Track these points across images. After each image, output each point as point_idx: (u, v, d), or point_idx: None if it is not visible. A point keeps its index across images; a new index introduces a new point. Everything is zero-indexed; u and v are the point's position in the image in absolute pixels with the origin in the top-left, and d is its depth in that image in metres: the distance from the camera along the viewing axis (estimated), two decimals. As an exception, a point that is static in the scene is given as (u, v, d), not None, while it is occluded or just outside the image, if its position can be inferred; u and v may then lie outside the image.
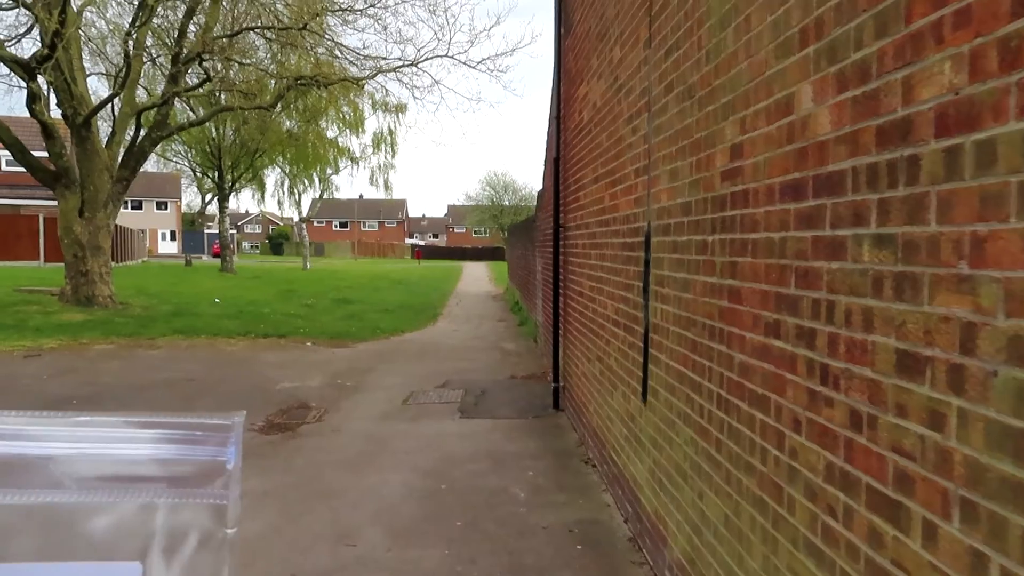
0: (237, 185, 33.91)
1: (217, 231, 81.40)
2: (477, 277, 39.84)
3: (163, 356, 11.78)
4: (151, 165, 53.63)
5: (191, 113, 21.96)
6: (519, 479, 5.92)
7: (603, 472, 5.80)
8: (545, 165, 11.98)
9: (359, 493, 5.63)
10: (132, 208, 77.44)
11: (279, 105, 27.14)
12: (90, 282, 15.55)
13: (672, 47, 3.80)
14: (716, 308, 3.13)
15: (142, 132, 16.07)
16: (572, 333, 7.72)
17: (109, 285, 15.89)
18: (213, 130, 29.52)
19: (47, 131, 15.12)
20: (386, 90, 35.28)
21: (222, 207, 31.28)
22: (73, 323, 14.10)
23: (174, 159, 31.80)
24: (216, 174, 30.59)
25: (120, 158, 15.95)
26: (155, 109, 15.89)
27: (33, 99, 14.32)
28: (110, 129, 16.62)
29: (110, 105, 16.53)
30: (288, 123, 31.23)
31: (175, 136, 29.96)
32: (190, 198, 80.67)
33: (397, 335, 15.03)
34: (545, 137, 11.97)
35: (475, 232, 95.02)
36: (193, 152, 31.24)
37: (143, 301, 17.65)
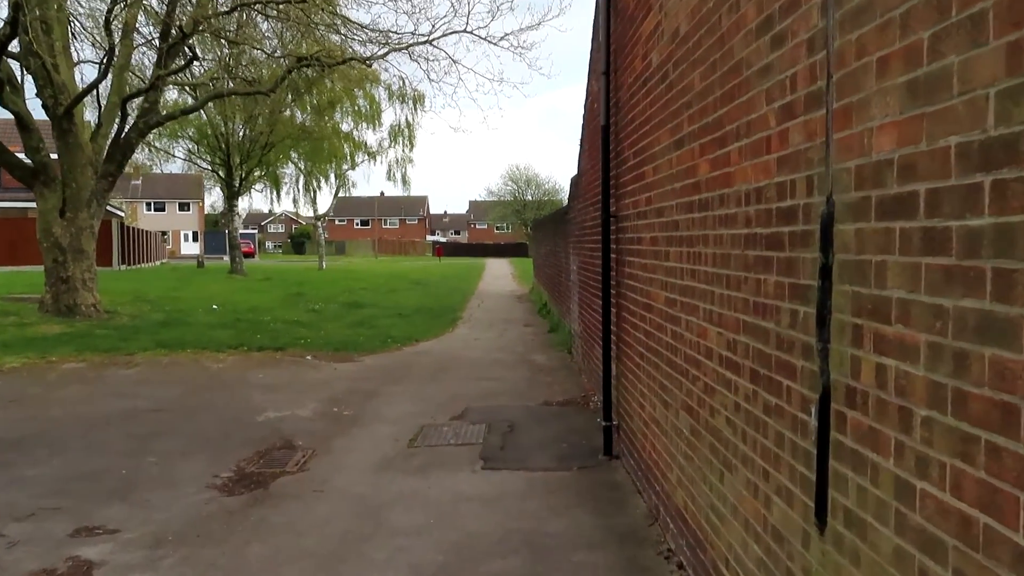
0: (247, 182, 32.28)
1: (242, 231, 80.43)
2: (500, 275, 37.95)
3: (136, 377, 10.01)
4: (174, 166, 52.38)
5: (191, 101, 20.23)
6: (570, 588, 4.01)
7: (698, 581, 3.86)
8: (582, 144, 10.05)
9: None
10: (155, 210, 76.67)
11: (288, 95, 25.49)
12: (72, 289, 13.86)
13: None
14: None
15: (129, 122, 14.30)
16: (632, 359, 5.78)
17: (93, 292, 14.19)
18: (222, 125, 27.87)
19: (21, 122, 13.45)
20: (403, 80, 33.45)
21: (230, 205, 29.60)
22: (47, 337, 12.41)
23: (180, 156, 30.27)
24: (225, 171, 28.92)
25: (105, 151, 14.22)
26: (143, 96, 14.12)
27: (0, 87, 12.63)
28: (96, 121, 14.90)
29: (95, 95, 14.81)
30: (300, 116, 29.56)
31: (182, 133, 28.38)
32: (213, 199, 79.82)
33: (410, 345, 13.18)
34: (582, 111, 10.04)
35: (497, 228, 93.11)
36: (201, 148, 29.59)
37: (134, 309, 15.96)
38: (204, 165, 30.91)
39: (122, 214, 40.30)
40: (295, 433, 7.41)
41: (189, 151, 29.92)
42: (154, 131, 28.11)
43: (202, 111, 26.54)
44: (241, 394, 9.02)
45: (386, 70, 37.36)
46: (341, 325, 15.03)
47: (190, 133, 28.67)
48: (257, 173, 32.05)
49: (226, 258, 66.77)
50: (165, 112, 15.19)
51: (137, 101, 14.60)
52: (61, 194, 13.65)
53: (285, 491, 5.69)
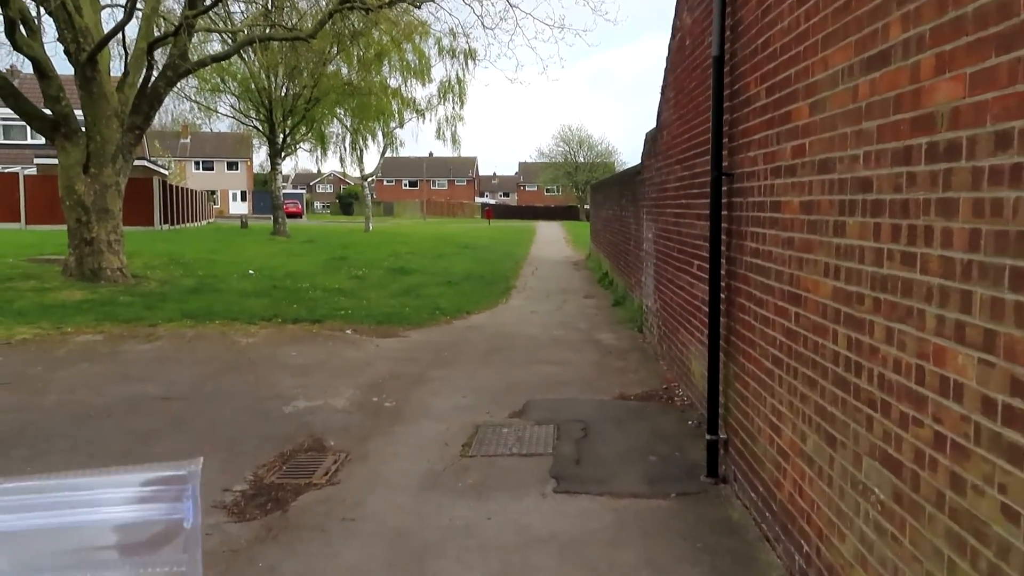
0: (293, 140, 31.21)
1: (289, 191, 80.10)
2: (552, 239, 36.51)
3: (154, 353, 8.97)
4: (223, 124, 51.73)
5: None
6: None
7: None
8: (664, 93, 8.56)
9: None
10: (203, 169, 76.74)
11: (332, 46, 24.18)
12: (96, 252, 12.91)
13: None
14: None
15: (156, 70, 13.16)
16: (757, 361, 4.39)
17: (119, 255, 13.23)
18: (264, 79, 26.70)
19: (39, 68, 12.41)
20: (453, 34, 31.72)
21: (273, 164, 28.58)
22: (66, 304, 11.48)
23: (223, 112, 29.21)
24: (268, 128, 27.83)
25: (131, 102, 13.12)
26: (171, 41, 12.93)
27: (11, 27, 11.56)
28: (123, 69, 13.80)
29: (121, 41, 13.69)
30: (346, 71, 28.27)
31: (224, 87, 27.34)
32: (262, 158, 79.43)
33: (461, 318, 11.94)
34: (666, 53, 8.53)
35: (547, 191, 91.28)
36: (243, 103, 28.49)
37: (165, 273, 15.02)
38: (246, 121, 29.88)
39: (165, 172, 39.75)
40: (327, 430, 6.25)
41: (232, 107, 28.90)
42: (195, 85, 27.25)
43: (243, 63, 25.45)
44: (269, 378, 7.89)
45: (437, 18, 35.70)
46: (385, 294, 13.86)
47: (232, 87, 27.61)
48: (303, 131, 30.93)
49: (273, 218, 66.75)
50: (196, 60, 14.03)
51: (166, 48, 13.42)
52: (85, 148, 12.64)
53: (307, 519, 4.50)
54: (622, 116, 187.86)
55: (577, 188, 72.71)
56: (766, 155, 4.21)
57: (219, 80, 26.57)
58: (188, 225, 37.61)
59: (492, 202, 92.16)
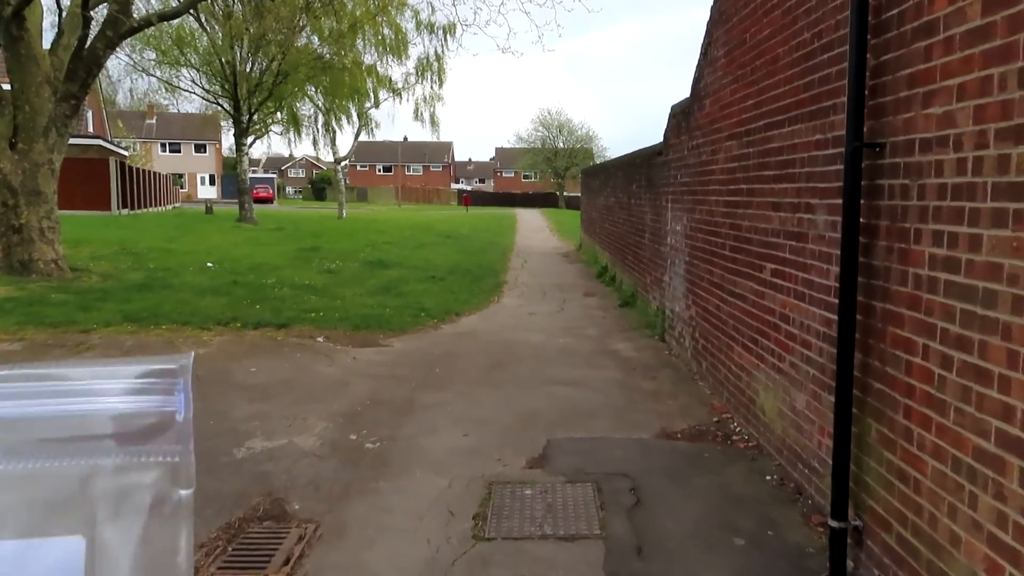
0: (261, 120, 29.25)
1: (260, 175, 77.48)
2: (535, 227, 34.92)
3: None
4: (191, 105, 49.24)
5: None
6: None
7: None
8: (708, 51, 7.02)
9: None
10: (170, 151, 73.93)
11: (301, 16, 22.29)
12: (26, 241, 11.12)
13: None
14: None
15: (94, 30, 11.33)
16: (958, 438, 2.86)
17: (54, 245, 11.42)
18: (229, 51, 24.62)
19: (-47, 27, 10.55)
20: (432, 7, 29.92)
21: (239, 145, 26.52)
22: (-15, 302, 9.71)
23: (183, 87, 27.02)
24: (233, 105, 25.80)
25: (66, 67, 11.28)
26: (108, -4, 11.12)
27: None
28: (57, 29, 11.93)
29: (55, -2, 11.81)
30: (317, 45, 26.31)
31: (185, 61, 25.25)
32: (231, 141, 76.82)
33: (450, 321, 10.36)
34: (707, 14, 6.98)
35: (525, 177, 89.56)
36: (203, 77, 26.35)
37: (111, 265, 13.21)
38: (208, 98, 27.77)
39: (125, 152, 37.45)
40: (291, 486, 4.69)
41: (194, 82, 26.76)
42: (155, 58, 25.19)
43: (205, 34, 23.43)
44: (220, 403, 6.26)
45: (420, 4, 33.57)
46: (362, 291, 12.21)
47: (194, 60, 25.49)
48: (271, 107, 28.90)
49: (244, 203, 64.22)
50: (141, 17, 12.20)
51: (104, 7, 11.60)
52: (11, 120, 10.83)
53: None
54: (601, 103, 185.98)
55: (556, 174, 71.13)
56: (978, 110, 2.68)
57: (179, 52, 24.47)
58: (150, 210, 35.47)
59: (469, 189, 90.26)
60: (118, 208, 28.35)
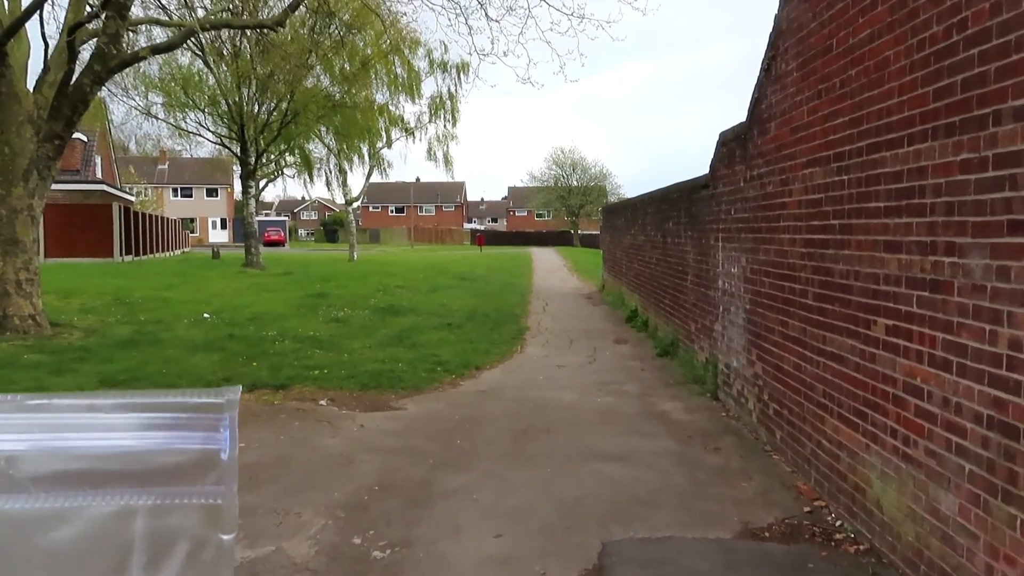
0: (271, 162, 28.57)
1: (273, 218, 77.06)
2: (552, 267, 33.88)
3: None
4: (202, 150, 48.86)
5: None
6: None
7: None
8: (774, 66, 6.01)
9: None
10: (182, 195, 73.91)
11: (310, 54, 21.63)
12: (2, 295, 10.12)
13: None
14: None
15: (81, 65, 10.49)
16: None
17: (32, 299, 10.44)
18: (236, 92, 23.95)
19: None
20: (445, 46, 29.25)
21: (246, 187, 25.73)
22: (-50, 365, 8.70)
23: (189, 128, 26.29)
24: (240, 147, 25.05)
25: (51, 105, 10.41)
26: (95, 27, 10.28)
27: None
28: (43, 67, 11.10)
29: (41, 29, 10.99)
30: (327, 84, 25.67)
31: (189, 102, 24.59)
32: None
33: (469, 376, 9.27)
34: (776, 8, 5.99)
35: (538, 215, 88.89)
36: (214, 120, 25.63)
37: (98, 319, 12.21)
38: (214, 140, 27.09)
39: (131, 197, 36.87)
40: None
41: (199, 124, 26.05)
42: (161, 101, 24.59)
43: (212, 74, 22.78)
44: (193, 497, 5.14)
45: (434, 45, 32.82)
46: (372, 343, 11.14)
47: (198, 102, 24.77)
48: (282, 148, 28.18)
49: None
50: (131, 52, 11.35)
51: (94, 41, 10.75)
52: (-11, 162, 9.93)
53: None
54: (611, 142, 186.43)
55: (570, 212, 70.36)
56: None
57: (183, 93, 23.82)
58: (157, 256, 34.76)
59: (482, 228, 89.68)
60: (121, 255, 27.57)
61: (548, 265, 35.48)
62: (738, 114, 8.04)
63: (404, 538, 4.50)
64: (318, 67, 23.09)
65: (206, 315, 12.42)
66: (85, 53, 12.11)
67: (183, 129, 26.13)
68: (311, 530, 4.62)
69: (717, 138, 7.81)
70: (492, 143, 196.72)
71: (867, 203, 4.29)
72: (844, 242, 4.60)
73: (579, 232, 70.34)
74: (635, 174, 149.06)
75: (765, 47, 6.16)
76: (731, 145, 7.31)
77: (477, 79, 23.34)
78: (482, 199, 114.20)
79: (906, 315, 3.83)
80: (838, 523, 4.61)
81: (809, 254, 5.22)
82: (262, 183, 69.53)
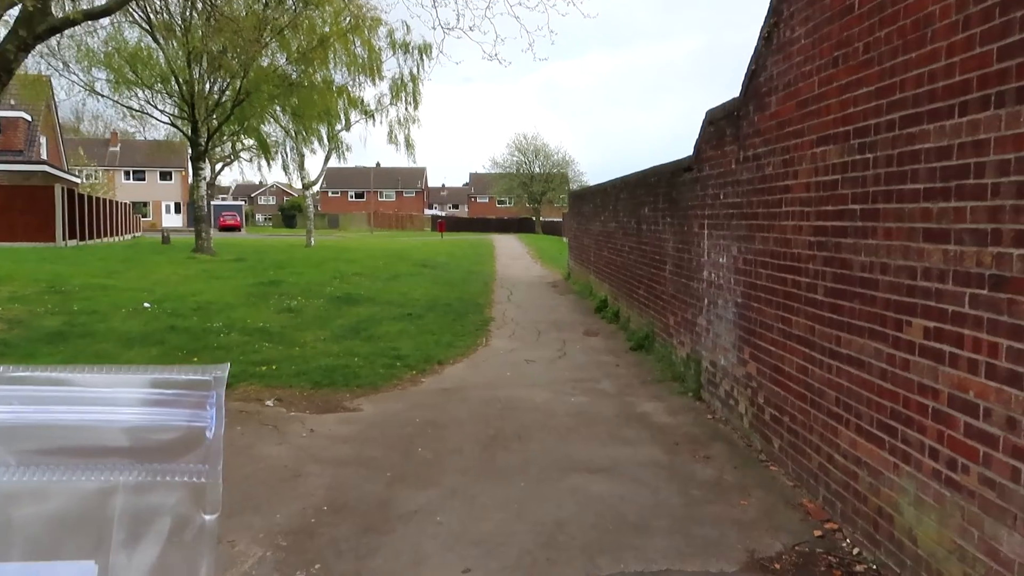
0: (219, 140, 27.30)
1: (230, 203, 74.99)
2: (515, 254, 33.21)
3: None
4: (157, 132, 46.96)
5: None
6: None
7: None
8: (777, 33, 5.40)
9: None
10: (134, 179, 71.46)
11: (266, 31, 20.55)
12: (-86, 280, 9.11)
13: None
14: None
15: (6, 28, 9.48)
16: None
17: (-51, 285, 9.43)
18: (186, 69, 22.64)
19: None
20: (407, 27, 28.25)
21: (196, 169, 24.44)
22: None
23: (134, 106, 24.76)
24: (190, 127, 23.75)
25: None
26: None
27: None
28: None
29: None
30: (284, 62, 24.54)
31: (138, 79, 23.27)
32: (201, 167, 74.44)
33: (431, 372, 8.59)
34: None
35: (500, 202, 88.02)
36: (156, 95, 24.11)
37: (27, 309, 11.20)
38: (162, 118, 25.65)
39: (76, 179, 35.20)
40: None
41: (149, 103, 24.55)
42: (108, 78, 23.22)
43: (161, 49, 21.52)
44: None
45: (396, 24, 31.84)
46: (326, 335, 10.37)
47: (146, 79, 23.28)
48: (236, 129, 26.92)
49: (212, 231, 61.62)
50: (63, 16, 10.30)
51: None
52: None
53: None
54: (573, 132, 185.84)
55: (533, 199, 69.69)
56: None
57: (131, 70, 22.41)
58: (105, 240, 33.22)
59: (443, 214, 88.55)
60: (64, 239, 26.15)
61: (511, 252, 34.80)
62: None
63: (356, 574, 3.82)
64: (274, 44, 21.94)
65: (146, 305, 11.48)
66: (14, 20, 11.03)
67: (130, 108, 24.74)
68: (245, 564, 3.91)
69: (704, 117, 7.19)
70: (454, 130, 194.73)
71: (900, 184, 3.69)
72: (868, 230, 4.00)
73: (541, 219, 69.69)
74: (598, 164, 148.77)
75: (765, 14, 5.54)
76: (720, 124, 6.70)
77: (441, 55, 22.32)
78: (443, 185, 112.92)
79: (954, 316, 3.24)
80: (855, 551, 4.04)
81: (820, 243, 4.63)
82: (218, 167, 67.49)
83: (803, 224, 4.89)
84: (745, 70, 6.00)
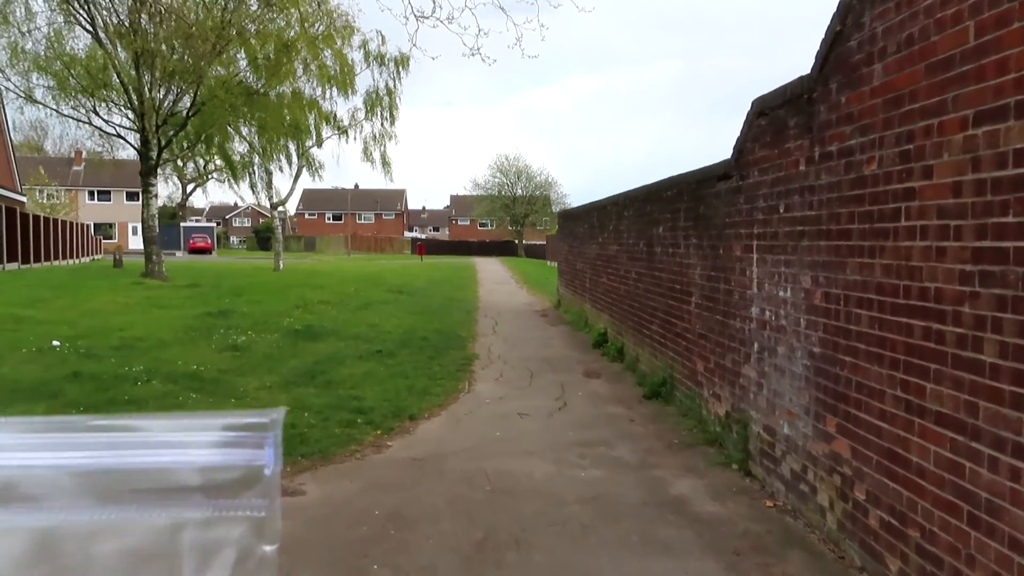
0: (174, 155, 25.41)
1: (202, 224, 72.56)
2: (499, 279, 31.48)
3: None
4: (126, 151, 45.01)
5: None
6: None
7: None
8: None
9: None
10: (99, 199, 69.11)
11: (228, 34, 18.82)
12: None
13: None
14: None
15: None
16: None
17: None
18: (134, 74, 20.65)
19: None
20: (383, 36, 26.75)
21: (146, 185, 22.45)
22: None
23: (65, 113, 22.48)
24: (140, 139, 21.77)
25: None
26: None
27: None
28: None
29: None
30: (244, 67, 22.78)
31: (73, 77, 21.21)
32: (170, 189, 72.13)
33: (399, 431, 6.86)
34: None
35: (481, 224, 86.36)
36: (99, 102, 21.85)
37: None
38: (107, 129, 23.52)
39: (22, 199, 33.05)
40: None
41: (95, 111, 22.31)
42: (49, 84, 21.35)
43: (104, 51, 19.65)
44: None
45: (371, 35, 30.26)
46: (274, 381, 8.56)
47: (86, 85, 21.18)
48: (192, 141, 25.01)
49: (178, 254, 59.11)
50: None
51: None
52: None
53: None
54: (553, 155, 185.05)
55: (515, 221, 68.15)
56: None
57: (70, 75, 20.47)
58: (54, 263, 31.10)
59: (423, 237, 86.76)
60: (6, 262, 24.08)
61: (494, 277, 33.08)
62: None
63: None
64: (232, 50, 20.21)
65: (55, 343, 9.61)
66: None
67: (73, 117, 22.69)
68: None
69: (750, 107, 5.57)
70: (435, 152, 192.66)
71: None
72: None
73: (524, 242, 68.11)
74: (580, 186, 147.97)
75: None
76: (778, 114, 5.07)
77: (414, 47, 20.50)
78: (424, 208, 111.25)
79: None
80: None
81: (987, 275, 2.97)
82: (190, 187, 65.02)
83: (947, 245, 3.24)
84: (823, 36, 4.38)
